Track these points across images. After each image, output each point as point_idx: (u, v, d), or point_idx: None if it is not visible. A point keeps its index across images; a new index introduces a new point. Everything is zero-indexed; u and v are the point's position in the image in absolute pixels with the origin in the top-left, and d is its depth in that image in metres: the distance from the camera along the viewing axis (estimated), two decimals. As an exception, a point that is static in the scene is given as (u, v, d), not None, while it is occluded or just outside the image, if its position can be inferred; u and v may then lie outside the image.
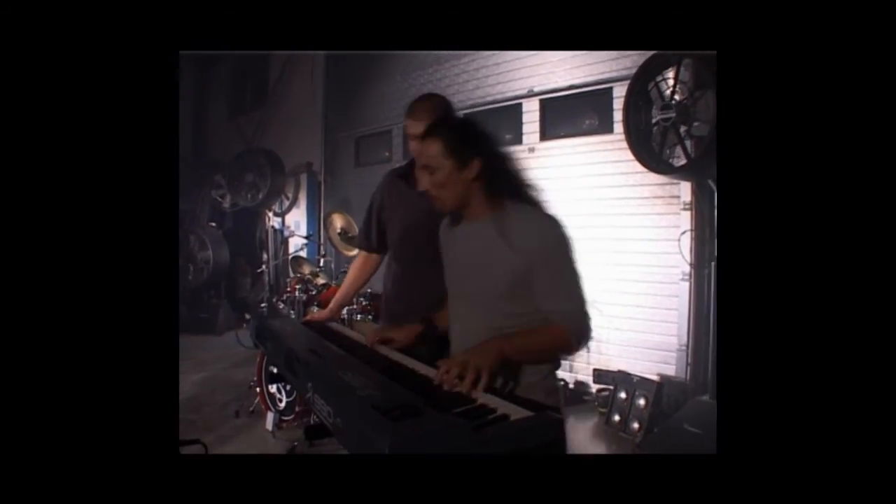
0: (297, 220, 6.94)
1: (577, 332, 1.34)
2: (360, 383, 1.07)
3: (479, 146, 1.41)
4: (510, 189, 1.44)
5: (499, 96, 4.79)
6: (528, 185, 1.47)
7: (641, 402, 3.41)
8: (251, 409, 3.83)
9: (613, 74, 4.05)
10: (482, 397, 1.09)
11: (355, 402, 0.96)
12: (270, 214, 7.14)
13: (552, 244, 1.36)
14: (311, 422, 3.38)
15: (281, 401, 3.52)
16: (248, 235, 7.56)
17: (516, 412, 1.00)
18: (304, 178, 6.89)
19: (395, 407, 0.91)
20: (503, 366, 1.22)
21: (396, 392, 1.06)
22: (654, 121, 3.19)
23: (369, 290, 3.91)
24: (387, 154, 6.04)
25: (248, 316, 6.30)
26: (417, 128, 1.67)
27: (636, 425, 3.37)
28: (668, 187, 3.79)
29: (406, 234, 1.96)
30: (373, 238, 2.12)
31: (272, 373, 3.37)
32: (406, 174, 2.02)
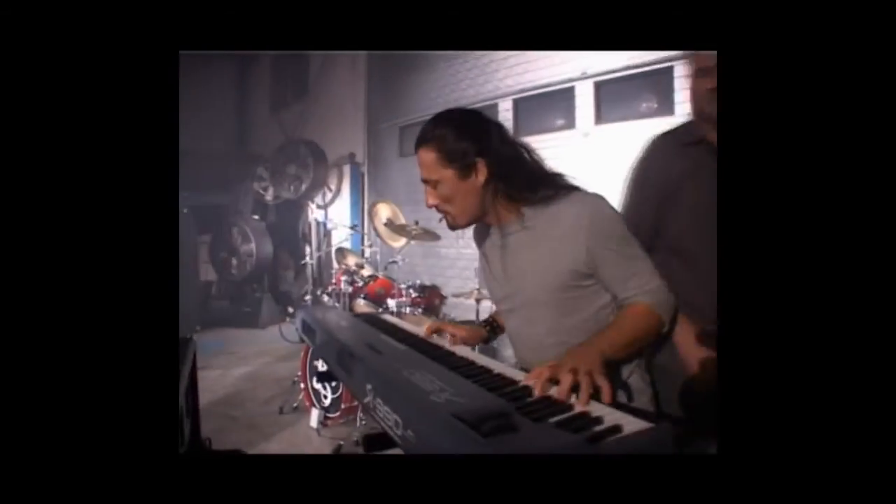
0: (340, 212, 6.84)
1: (664, 307, 1.20)
2: (433, 386, 0.88)
3: (480, 144, 1.21)
4: (528, 188, 1.24)
5: (550, 80, 4.54)
6: (552, 175, 1.28)
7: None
8: (295, 405, 3.72)
9: (674, 52, 3.77)
10: (578, 404, 0.89)
11: (432, 410, 0.78)
12: (313, 206, 7.06)
13: (606, 226, 1.19)
14: (358, 421, 3.24)
15: (326, 397, 3.39)
16: (290, 228, 7.52)
17: (628, 422, 0.79)
18: (346, 169, 6.79)
19: (484, 417, 0.72)
20: (605, 368, 1.00)
21: (477, 396, 0.88)
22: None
23: (419, 282, 3.75)
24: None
25: (291, 310, 6.23)
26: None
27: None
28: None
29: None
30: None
31: (319, 370, 3.23)
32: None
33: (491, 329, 1.54)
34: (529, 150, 1.29)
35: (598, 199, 1.21)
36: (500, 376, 1.06)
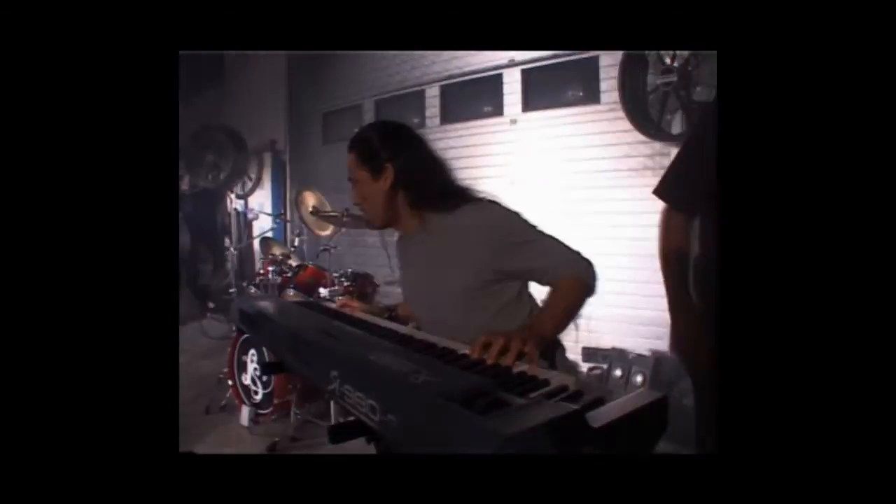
0: (261, 202, 6.57)
1: (585, 273, 1.28)
2: (406, 367, 0.84)
3: (392, 151, 1.35)
4: (432, 196, 1.35)
5: (478, 66, 4.54)
6: (461, 189, 1.38)
7: (639, 378, 3.29)
8: (222, 403, 3.55)
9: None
10: (553, 376, 0.88)
11: (414, 392, 0.74)
12: (232, 196, 6.75)
13: (505, 225, 1.29)
14: (293, 416, 3.13)
15: (256, 393, 3.25)
16: (208, 219, 7.14)
17: (610, 394, 0.79)
18: (267, 156, 6.52)
19: (472, 395, 0.70)
20: (539, 342, 1.06)
21: (453, 375, 0.85)
22: (652, 86, 3.02)
23: (350, 270, 3.67)
24: (357, 130, 5.73)
25: (211, 305, 5.95)
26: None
27: (635, 404, 3.24)
28: (658, 158, 3.64)
29: None
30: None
31: (264, 363, 3.09)
32: None
33: (390, 316, 1.62)
34: (446, 167, 1.42)
35: (492, 204, 1.32)
36: (466, 356, 1.03)
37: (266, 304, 1.55)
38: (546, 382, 0.86)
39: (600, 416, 0.71)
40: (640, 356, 3.36)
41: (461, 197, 1.35)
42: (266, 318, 1.38)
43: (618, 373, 3.39)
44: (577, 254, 1.29)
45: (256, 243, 5.19)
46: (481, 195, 1.37)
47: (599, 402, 0.76)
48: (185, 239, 6.71)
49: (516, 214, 1.31)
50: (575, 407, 0.70)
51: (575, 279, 1.26)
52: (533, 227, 1.30)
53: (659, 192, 1.45)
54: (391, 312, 1.64)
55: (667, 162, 3.55)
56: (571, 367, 1.43)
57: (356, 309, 1.61)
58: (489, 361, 0.96)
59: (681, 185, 1.41)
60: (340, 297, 1.66)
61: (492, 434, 0.58)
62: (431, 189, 1.36)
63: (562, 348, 1.37)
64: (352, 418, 0.87)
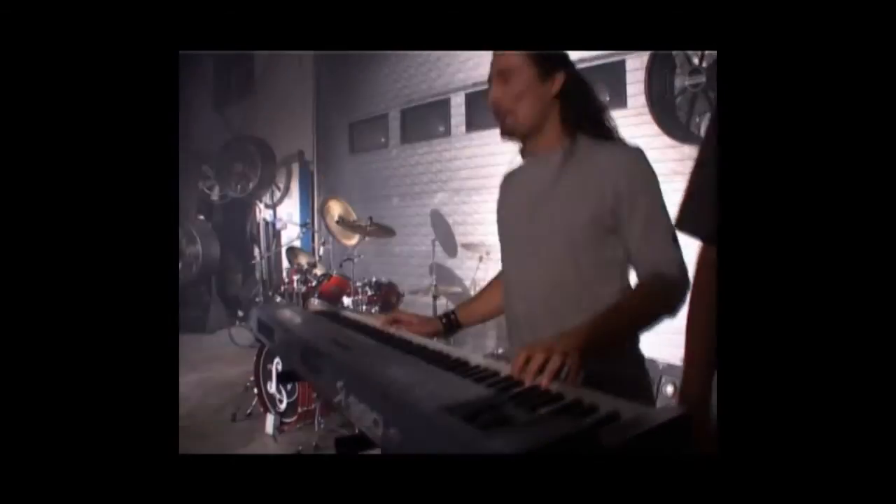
0: (289, 212, 6.64)
1: (675, 288, 1.11)
2: (413, 379, 0.80)
3: (564, 62, 1.25)
4: (590, 118, 1.25)
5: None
6: (609, 118, 1.28)
7: (669, 389, 3.18)
8: (248, 411, 3.56)
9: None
10: (567, 391, 0.83)
11: (417, 405, 0.70)
12: (261, 206, 6.83)
13: (641, 177, 1.16)
14: (317, 425, 3.11)
15: (281, 401, 3.26)
16: (238, 228, 7.26)
17: (626, 408, 0.74)
18: (295, 167, 6.60)
19: (478, 409, 0.66)
20: (596, 353, 0.96)
21: (461, 388, 0.81)
22: (679, 88, 2.94)
23: (374, 279, 3.66)
24: (383, 140, 5.75)
25: (241, 313, 6.01)
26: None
27: (666, 415, 3.14)
28: (688, 162, 3.55)
29: None
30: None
31: (279, 372, 3.09)
32: None
33: (447, 323, 1.49)
34: (595, 90, 1.31)
35: (640, 152, 1.20)
36: (479, 367, 0.99)
37: (283, 313, 1.53)
38: (560, 396, 0.82)
39: (615, 434, 0.66)
40: (670, 366, 3.25)
41: (615, 131, 1.27)
42: (280, 327, 1.37)
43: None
44: (680, 262, 1.14)
45: (284, 252, 5.23)
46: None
47: (615, 416, 0.71)
48: (215, 248, 6.81)
49: (657, 180, 1.19)
50: (587, 422, 0.66)
51: (659, 288, 1.12)
52: (662, 204, 1.16)
53: (683, 226, 1.15)
54: (448, 319, 1.50)
55: (697, 166, 3.50)
56: (638, 360, 1.30)
57: (410, 323, 1.44)
58: (527, 383, 0.87)
59: (707, 214, 1.09)
60: (383, 315, 1.51)
61: (492, 452, 0.54)
62: (593, 110, 1.27)
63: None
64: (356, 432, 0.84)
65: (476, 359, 1.04)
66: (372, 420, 0.76)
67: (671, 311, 1.12)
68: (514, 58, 1.22)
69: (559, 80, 1.23)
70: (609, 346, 1.05)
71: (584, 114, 1.25)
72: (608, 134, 1.26)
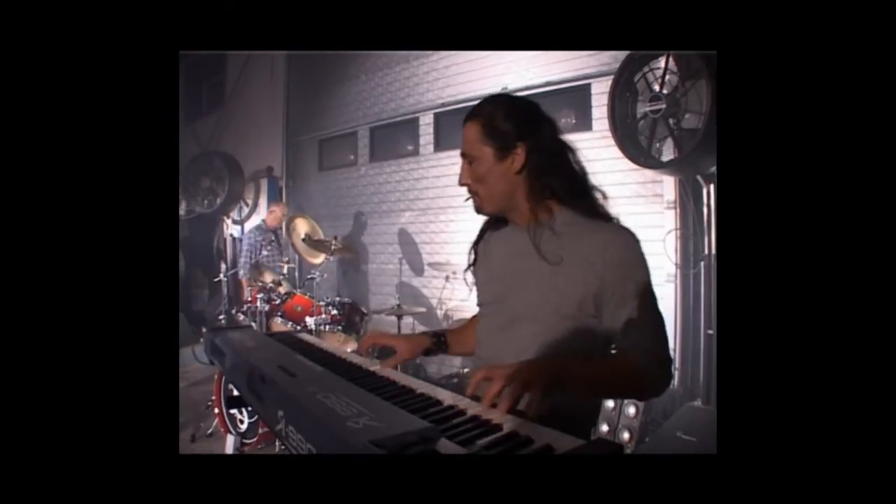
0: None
1: (652, 376, 1.09)
2: (350, 410, 0.80)
3: (524, 131, 1.16)
4: (566, 189, 1.17)
5: (471, 94, 4.55)
6: (589, 188, 1.21)
7: (631, 410, 3.21)
8: (209, 431, 3.49)
9: (591, 70, 3.88)
10: (505, 421, 0.84)
11: (348, 437, 0.70)
12: (228, 222, 6.75)
13: (632, 264, 1.11)
14: (277, 447, 3.06)
15: (242, 422, 3.19)
16: (204, 244, 7.14)
17: (560, 441, 0.75)
18: (264, 182, 6.54)
19: (405, 444, 0.66)
20: (554, 390, 0.92)
21: (397, 419, 0.81)
22: (641, 113, 3.01)
23: (338, 299, 3.64)
24: (352, 157, 5.76)
25: (204, 330, 5.90)
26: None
27: (626, 435, 3.16)
28: (650, 185, 3.63)
29: None
30: None
31: (232, 395, 3.04)
32: None
33: (437, 342, 1.43)
34: (576, 155, 1.23)
35: (630, 236, 1.14)
36: (423, 396, 0.99)
37: (235, 336, 1.51)
38: (499, 427, 0.82)
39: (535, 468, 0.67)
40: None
41: (597, 203, 1.19)
42: (231, 350, 1.35)
43: (610, 404, 3.31)
44: (665, 357, 1.11)
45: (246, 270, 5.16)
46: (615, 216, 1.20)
47: (548, 450, 0.72)
48: (180, 264, 6.69)
49: (647, 267, 1.13)
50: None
51: (641, 372, 1.08)
52: (651, 292, 1.12)
53: None
54: (439, 338, 1.44)
55: (659, 190, 3.58)
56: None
57: (385, 339, 1.42)
58: (484, 405, 0.86)
59: None
60: (350, 337, 1.46)
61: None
62: (567, 178, 1.18)
63: None
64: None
65: (423, 386, 1.05)
66: (308, 451, 0.76)
67: (640, 396, 1.13)
68: (474, 140, 1.18)
69: (520, 155, 1.16)
70: (576, 391, 1.03)
71: (555, 186, 1.17)
72: (592, 208, 1.18)
